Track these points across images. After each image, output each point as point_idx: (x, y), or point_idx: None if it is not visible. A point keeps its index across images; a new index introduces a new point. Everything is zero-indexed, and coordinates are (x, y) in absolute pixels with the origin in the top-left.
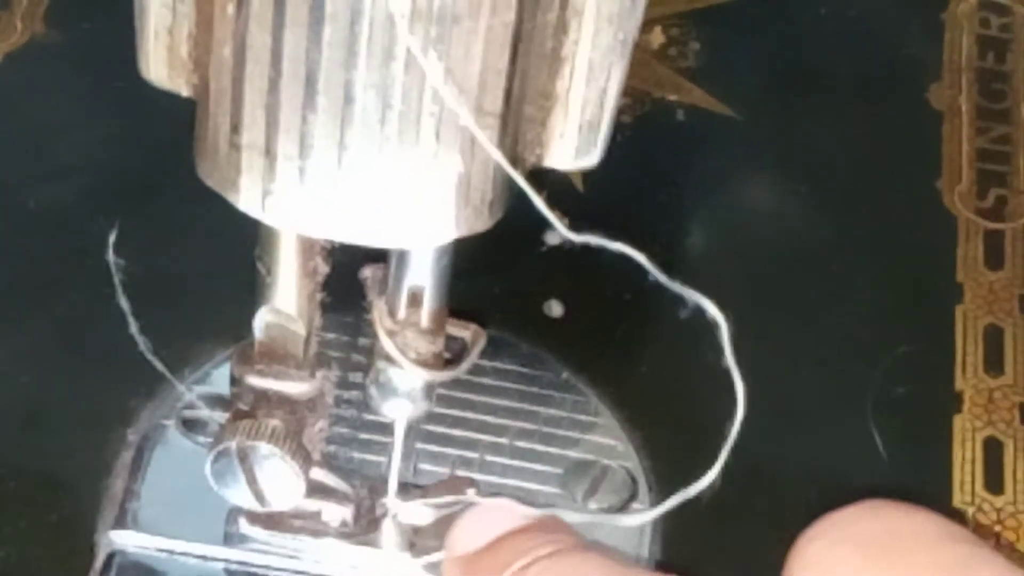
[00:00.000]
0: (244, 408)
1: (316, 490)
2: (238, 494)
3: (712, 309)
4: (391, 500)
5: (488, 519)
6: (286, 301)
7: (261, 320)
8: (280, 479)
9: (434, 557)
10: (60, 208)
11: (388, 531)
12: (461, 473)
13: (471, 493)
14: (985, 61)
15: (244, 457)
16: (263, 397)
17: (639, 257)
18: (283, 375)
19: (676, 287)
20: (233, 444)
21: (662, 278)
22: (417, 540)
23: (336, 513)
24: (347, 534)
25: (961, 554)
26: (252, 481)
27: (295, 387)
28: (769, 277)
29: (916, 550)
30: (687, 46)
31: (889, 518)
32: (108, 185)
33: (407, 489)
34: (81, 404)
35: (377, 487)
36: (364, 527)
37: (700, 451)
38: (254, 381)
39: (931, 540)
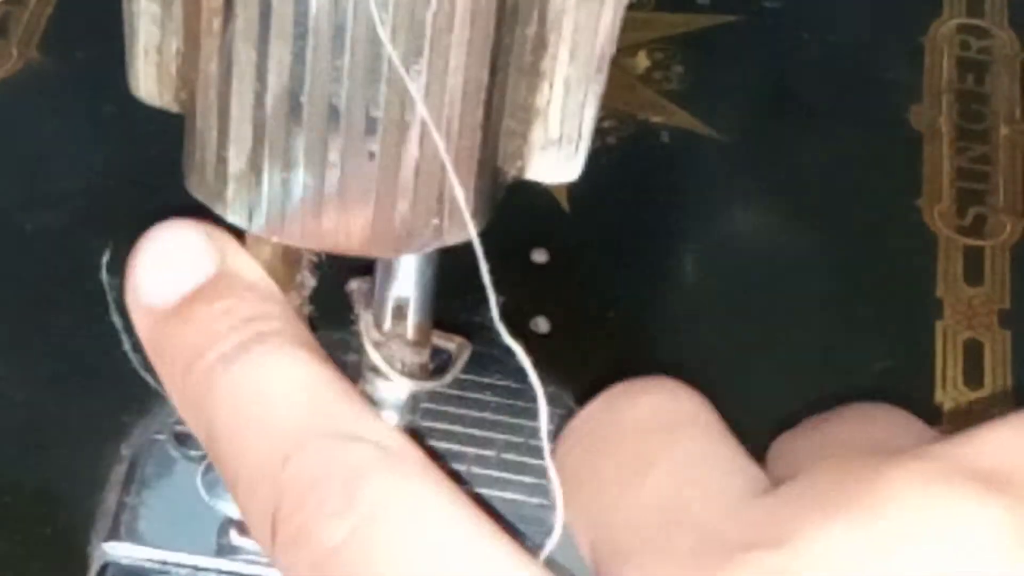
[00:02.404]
0: None
1: None
2: (230, 505)
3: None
4: None
5: (173, 259)
6: None
7: None
8: None
9: None
10: (55, 230)
11: None
12: None
13: None
14: (965, 83)
15: None
16: None
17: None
18: None
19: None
20: None
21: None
22: None
23: None
24: None
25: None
26: None
27: None
28: (751, 295)
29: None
30: (671, 69)
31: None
32: (101, 207)
33: None
34: (75, 420)
35: None
36: None
37: None
38: None
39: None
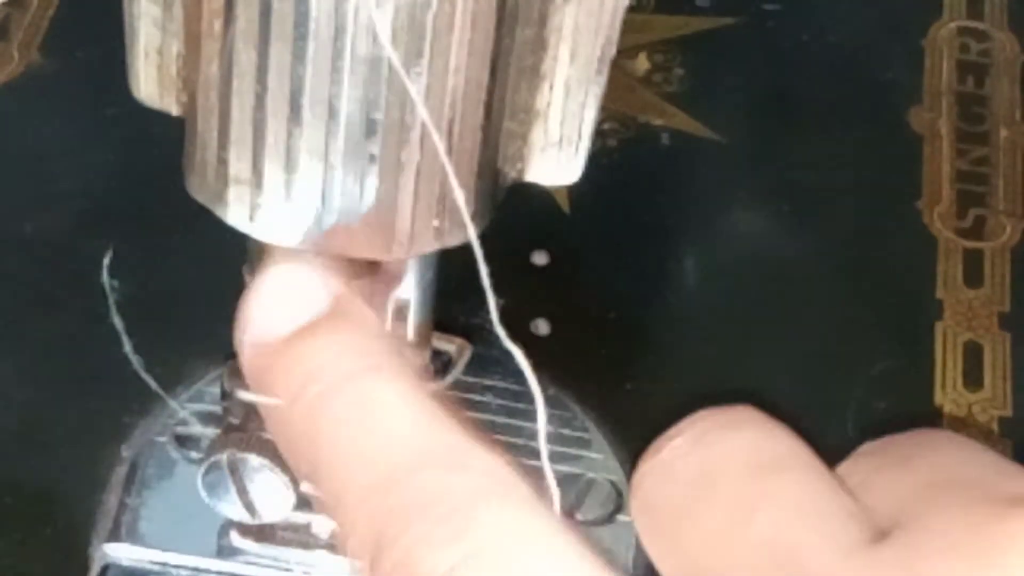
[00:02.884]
0: (235, 422)
1: (306, 503)
2: (230, 506)
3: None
4: None
5: (285, 296)
6: None
7: None
8: (270, 491)
9: None
10: (56, 232)
11: None
12: None
13: None
14: (965, 85)
15: (235, 469)
16: (253, 411)
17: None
18: None
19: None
20: (224, 456)
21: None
22: None
23: (326, 525)
24: (336, 546)
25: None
26: (243, 493)
27: None
28: (752, 296)
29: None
30: (671, 72)
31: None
32: (103, 209)
33: None
34: (76, 421)
35: None
36: None
37: None
38: (244, 395)
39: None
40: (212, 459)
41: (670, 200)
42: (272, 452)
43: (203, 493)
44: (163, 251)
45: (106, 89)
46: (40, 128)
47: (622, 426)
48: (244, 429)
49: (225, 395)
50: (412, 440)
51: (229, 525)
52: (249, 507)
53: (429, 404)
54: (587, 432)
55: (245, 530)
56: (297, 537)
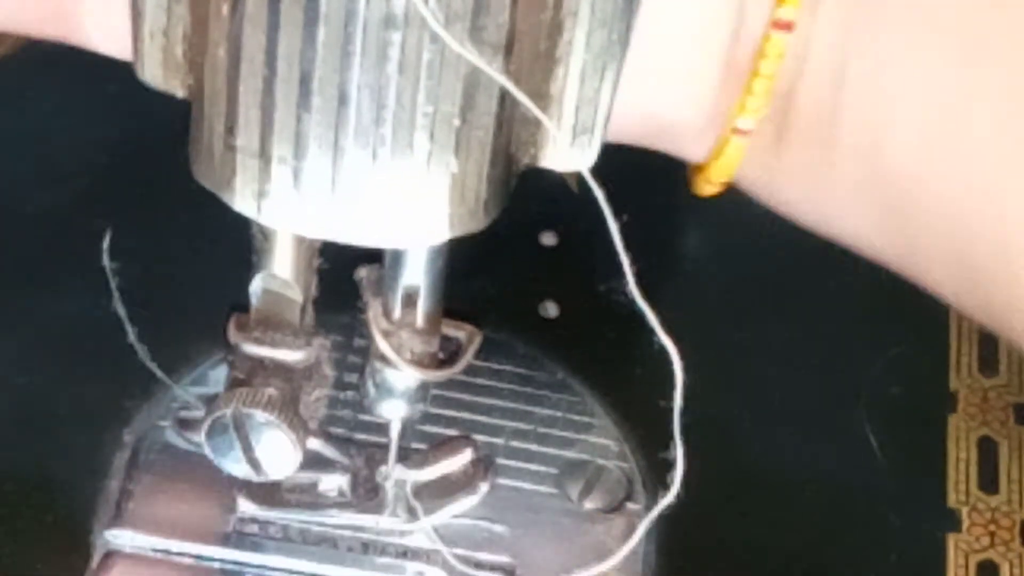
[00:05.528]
0: (240, 376)
1: (312, 462)
2: (234, 464)
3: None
4: (390, 470)
5: None
6: (283, 266)
7: (258, 286)
8: (276, 448)
9: (432, 520)
10: (56, 212)
11: (386, 498)
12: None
13: (469, 453)
14: None
15: (240, 425)
16: (259, 365)
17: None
18: (279, 343)
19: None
20: (229, 412)
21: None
22: (416, 505)
23: (333, 483)
24: (345, 504)
25: None
26: (248, 450)
27: (291, 355)
28: (764, 278)
29: None
30: None
31: None
32: (104, 189)
33: (408, 454)
34: (77, 405)
35: (374, 456)
36: (362, 496)
37: (694, 451)
38: (250, 349)
39: None
40: (217, 414)
41: (681, 181)
42: (278, 408)
43: (207, 450)
44: (166, 231)
45: (108, 66)
46: (40, 105)
47: (631, 411)
48: (250, 384)
49: (231, 349)
50: None
51: (234, 496)
52: (254, 464)
53: None
54: (595, 417)
55: (250, 492)
56: (304, 498)
